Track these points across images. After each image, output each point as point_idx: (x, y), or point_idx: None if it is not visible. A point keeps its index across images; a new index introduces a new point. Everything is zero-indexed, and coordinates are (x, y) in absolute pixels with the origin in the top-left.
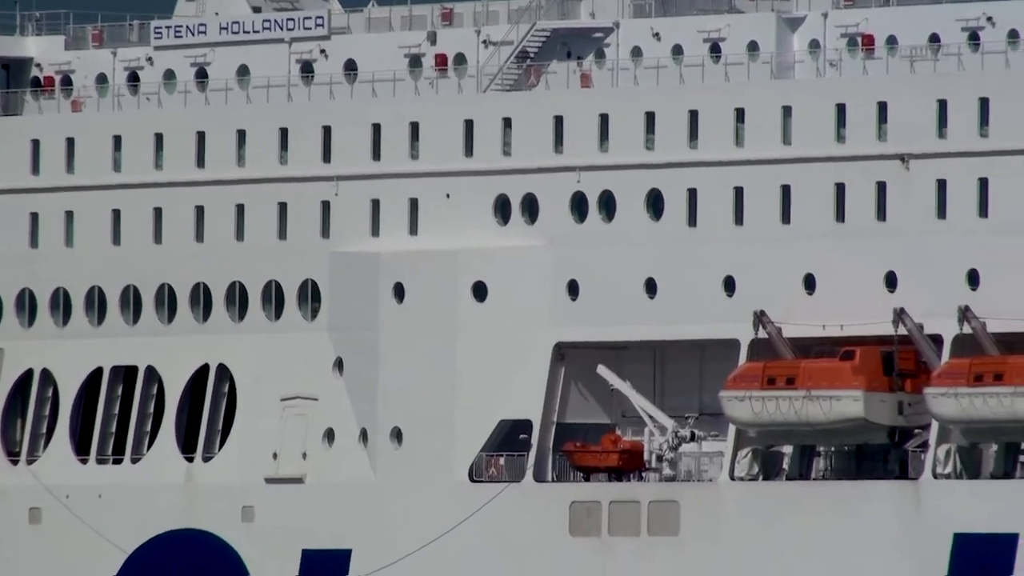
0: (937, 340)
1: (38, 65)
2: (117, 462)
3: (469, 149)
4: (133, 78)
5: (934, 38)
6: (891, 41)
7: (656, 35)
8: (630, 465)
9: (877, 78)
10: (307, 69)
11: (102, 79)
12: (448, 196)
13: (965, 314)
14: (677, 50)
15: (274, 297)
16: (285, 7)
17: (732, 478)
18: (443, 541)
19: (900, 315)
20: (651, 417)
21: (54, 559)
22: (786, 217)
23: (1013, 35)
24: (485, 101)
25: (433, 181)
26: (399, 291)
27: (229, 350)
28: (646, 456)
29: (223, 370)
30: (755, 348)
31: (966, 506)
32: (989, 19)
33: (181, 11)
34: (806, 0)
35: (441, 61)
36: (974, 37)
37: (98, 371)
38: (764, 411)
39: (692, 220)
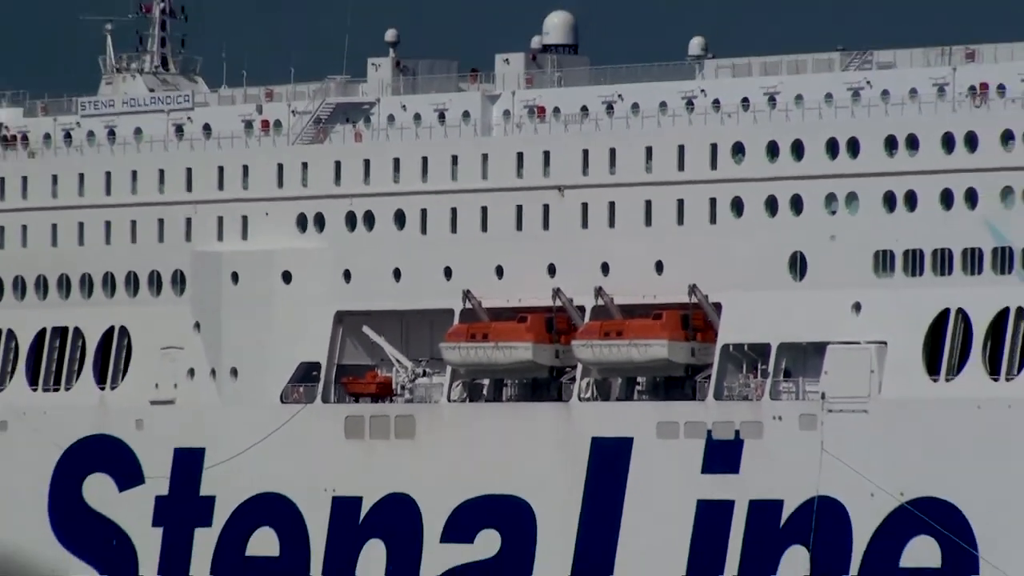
0: (582, 309)
1: (6, 127)
2: (55, 390)
3: (280, 182)
4: (67, 136)
5: (584, 108)
6: (556, 111)
7: (403, 107)
8: (384, 392)
9: (543, 135)
10: (179, 130)
11: (47, 137)
12: (267, 215)
13: (599, 292)
14: (417, 117)
15: None
16: (169, 89)
17: (449, 401)
18: (263, 444)
19: (557, 292)
20: (398, 360)
21: (18, 455)
22: (484, 227)
23: (635, 108)
24: (291, 151)
25: (257, 205)
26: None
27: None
28: (394, 386)
29: (124, 331)
30: (464, 315)
31: (600, 420)
32: (620, 96)
33: (101, 91)
34: (502, 82)
35: (264, 125)
36: (610, 108)
37: (43, 331)
38: (468, 356)
39: (424, 229)
